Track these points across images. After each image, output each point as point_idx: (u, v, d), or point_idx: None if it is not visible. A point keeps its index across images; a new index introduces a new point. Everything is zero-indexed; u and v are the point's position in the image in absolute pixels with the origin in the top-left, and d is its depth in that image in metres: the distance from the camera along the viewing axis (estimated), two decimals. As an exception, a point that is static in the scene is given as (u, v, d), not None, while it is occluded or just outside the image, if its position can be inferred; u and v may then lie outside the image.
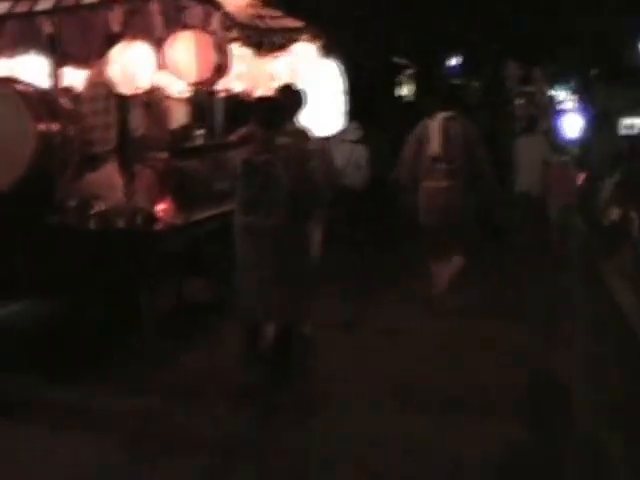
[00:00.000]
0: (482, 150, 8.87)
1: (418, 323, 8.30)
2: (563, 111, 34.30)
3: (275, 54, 8.85)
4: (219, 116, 9.36)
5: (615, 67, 25.83)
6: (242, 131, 6.68)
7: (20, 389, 6.40)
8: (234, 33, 8.13)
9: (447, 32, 19.70)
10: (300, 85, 8.81)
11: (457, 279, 8.79)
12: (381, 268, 10.97)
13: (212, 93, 8.84)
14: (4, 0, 7.28)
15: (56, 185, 7.25)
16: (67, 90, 8.15)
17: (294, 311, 6.68)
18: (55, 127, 7.18)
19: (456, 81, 24.33)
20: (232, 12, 7.99)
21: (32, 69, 8.07)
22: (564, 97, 38.52)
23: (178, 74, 6.99)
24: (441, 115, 8.80)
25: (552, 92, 37.75)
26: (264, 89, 8.36)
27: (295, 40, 9.10)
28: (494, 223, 12.47)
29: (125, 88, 7.08)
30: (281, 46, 9.01)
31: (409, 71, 23.19)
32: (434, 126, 8.77)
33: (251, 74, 8.12)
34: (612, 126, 18.58)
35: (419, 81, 22.77)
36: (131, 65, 6.96)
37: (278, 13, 9.15)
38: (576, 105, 34.12)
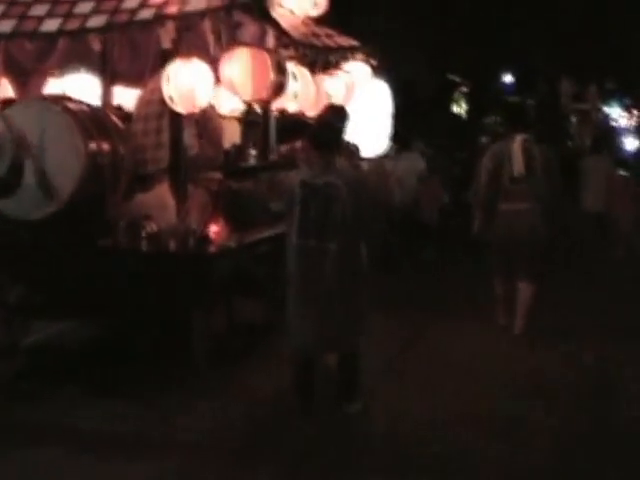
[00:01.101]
0: (558, 172, 8.75)
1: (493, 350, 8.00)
2: (618, 128, 33.87)
3: (330, 73, 8.64)
4: (272, 136, 9.15)
5: None
6: (288, 148, 6.43)
7: (70, 410, 6.27)
8: (290, 51, 7.92)
9: (503, 49, 19.41)
10: (353, 105, 8.71)
11: (532, 307, 8.58)
12: (451, 291, 10.63)
13: (266, 112, 8.66)
14: (54, 17, 7.09)
15: (107, 205, 7.06)
16: (118, 109, 8.02)
17: (352, 340, 6.34)
18: (106, 146, 7.04)
19: (512, 99, 24.04)
20: (287, 30, 7.82)
21: (83, 88, 7.96)
22: (618, 114, 38.14)
23: (234, 91, 6.80)
24: (521, 136, 8.60)
25: (606, 109, 37.45)
26: (318, 109, 8.15)
27: (350, 59, 8.91)
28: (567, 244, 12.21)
29: (183, 107, 6.90)
30: (336, 65, 8.81)
31: (463, 89, 22.87)
32: (515, 147, 8.56)
33: (306, 93, 7.89)
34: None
35: (473, 98, 22.47)
36: (188, 83, 6.78)
37: (332, 31, 8.94)
38: (632, 122, 33.54)
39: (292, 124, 8.79)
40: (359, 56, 8.99)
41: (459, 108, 23.29)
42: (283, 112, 8.13)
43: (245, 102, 7.08)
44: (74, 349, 7.77)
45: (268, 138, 8.96)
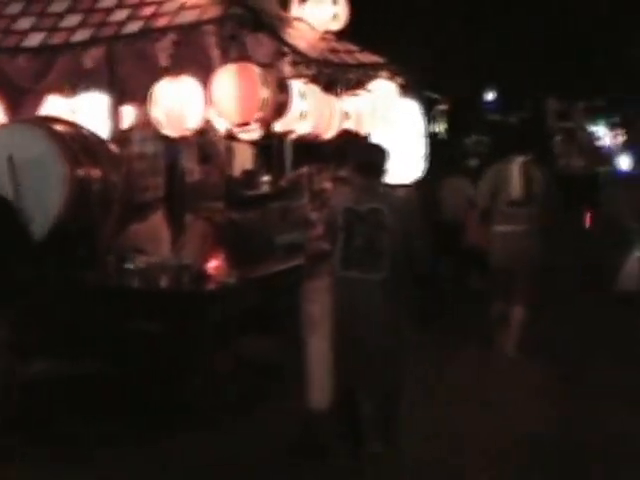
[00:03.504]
0: (557, 194, 8.86)
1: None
2: (603, 147, 33.11)
3: (351, 92, 7.98)
4: (288, 161, 8.51)
5: None
6: (292, 176, 5.86)
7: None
8: (302, 69, 7.28)
9: (484, 63, 18.63)
10: (380, 126, 8.13)
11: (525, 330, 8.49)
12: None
13: (280, 135, 8.00)
14: (39, 31, 6.56)
15: (95, 236, 6.47)
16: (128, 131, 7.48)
17: (394, 380, 5.87)
18: (95, 172, 6.51)
19: (493, 117, 23.19)
20: (301, 46, 7.19)
21: (93, 107, 7.39)
22: (603, 133, 37.59)
23: (221, 113, 6.17)
24: (520, 158, 8.59)
25: (591, 128, 36.77)
26: (334, 130, 7.51)
27: (374, 77, 8.25)
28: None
29: (172, 129, 6.32)
30: (358, 83, 8.14)
31: (442, 106, 22.00)
32: (514, 169, 8.54)
33: (318, 113, 7.20)
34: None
35: (453, 117, 21.63)
36: (177, 103, 6.24)
37: (354, 47, 8.29)
38: (617, 141, 32.89)
39: (305, 148, 8.16)
40: (384, 74, 8.29)
41: (437, 127, 22.33)
42: (291, 133, 7.46)
43: (234, 125, 6.41)
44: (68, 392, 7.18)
45: (283, 164, 8.34)
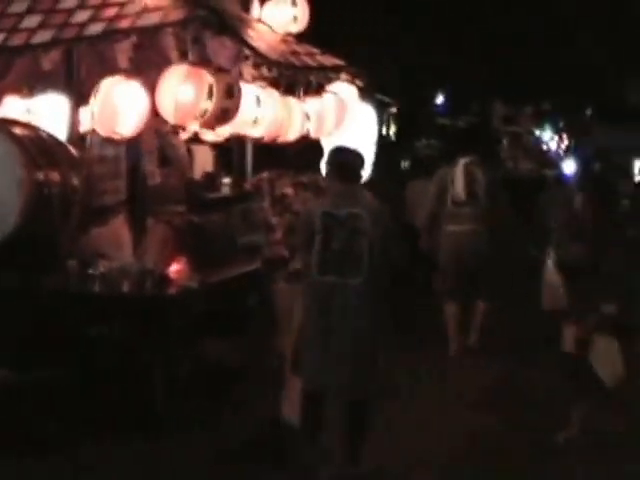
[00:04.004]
0: (503, 194, 9.19)
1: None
2: (549, 151, 33.43)
3: (312, 95, 7.93)
4: (249, 163, 8.44)
5: (615, 107, 24.81)
6: (254, 180, 5.81)
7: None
8: (262, 71, 7.23)
9: (433, 66, 18.66)
10: (340, 130, 8.11)
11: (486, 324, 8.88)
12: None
13: (241, 138, 7.94)
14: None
15: (56, 242, 6.36)
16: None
17: (367, 387, 5.79)
18: (55, 176, 6.36)
19: (442, 120, 23.27)
20: (262, 48, 7.14)
21: (51, 109, 7.25)
22: (549, 137, 37.83)
23: (161, 111, 6.11)
24: (463, 160, 8.84)
25: (538, 132, 37.02)
26: (294, 134, 7.45)
27: (334, 80, 8.21)
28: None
29: (100, 127, 6.28)
30: (319, 86, 8.10)
31: (392, 109, 21.99)
32: (457, 171, 8.82)
33: (272, 118, 7.14)
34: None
35: (403, 120, 21.65)
36: (115, 104, 6.17)
37: (315, 50, 8.24)
38: (562, 145, 33.24)
39: (266, 150, 8.10)
40: (344, 76, 8.25)
41: (388, 130, 22.31)
42: (245, 137, 7.41)
43: (173, 126, 6.36)
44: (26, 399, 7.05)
45: (244, 166, 8.27)
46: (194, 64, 6.02)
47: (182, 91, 5.95)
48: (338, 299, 5.59)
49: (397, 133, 22.21)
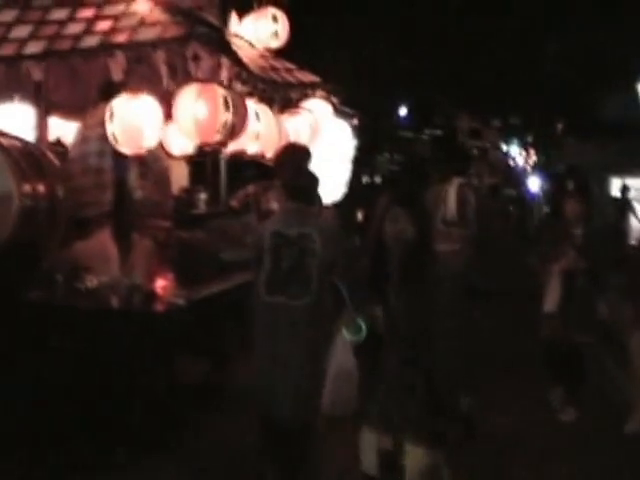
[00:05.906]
0: (488, 214, 9.38)
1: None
2: (515, 167, 33.53)
3: (291, 111, 7.94)
4: (223, 179, 8.39)
5: (585, 121, 25.05)
6: (240, 195, 5.73)
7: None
8: (249, 87, 7.21)
9: (397, 77, 18.56)
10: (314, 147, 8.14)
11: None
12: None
13: (216, 152, 7.89)
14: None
15: (42, 254, 6.26)
16: (56, 143, 7.25)
17: (316, 407, 5.40)
18: (42, 187, 6.29)
19: (406, 133, 23.14)
20: (249, 65, 7.14)
21: (17, 119, 7.17)
22: (517, 152, 37.78)
23: (183, 133, 6.06)
24: (457, 180, 8.65)
25: (504, 147, 36.97)
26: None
27: (310, 96, 8.24)
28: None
29: (128, 147, 6.16)
30: (296, 102, 8.12)
31: (353, 121, 21.98)
32: (450, 191, 8.61)
33: (269, 134, 7.14)
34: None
35: (365, 133, 21.69)
36: (135, 121, 6.06)
37: (292, 65, 8.27)
38: (529, 161, 33.39)
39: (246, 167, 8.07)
40: (320, 93, 8.28)
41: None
42: (240, 154, 7.33)
43: (197, 145, 6.32)
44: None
45: (218, 182, 8.22)
46: (202, 80, 6.01)
47: (198, 108, 5.91)
48: (285, 319, 5.48)
49: (357, 147, 22.16)
